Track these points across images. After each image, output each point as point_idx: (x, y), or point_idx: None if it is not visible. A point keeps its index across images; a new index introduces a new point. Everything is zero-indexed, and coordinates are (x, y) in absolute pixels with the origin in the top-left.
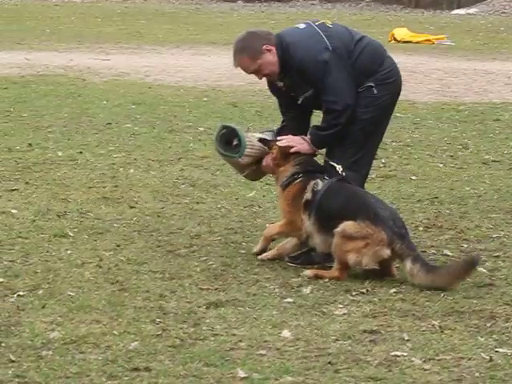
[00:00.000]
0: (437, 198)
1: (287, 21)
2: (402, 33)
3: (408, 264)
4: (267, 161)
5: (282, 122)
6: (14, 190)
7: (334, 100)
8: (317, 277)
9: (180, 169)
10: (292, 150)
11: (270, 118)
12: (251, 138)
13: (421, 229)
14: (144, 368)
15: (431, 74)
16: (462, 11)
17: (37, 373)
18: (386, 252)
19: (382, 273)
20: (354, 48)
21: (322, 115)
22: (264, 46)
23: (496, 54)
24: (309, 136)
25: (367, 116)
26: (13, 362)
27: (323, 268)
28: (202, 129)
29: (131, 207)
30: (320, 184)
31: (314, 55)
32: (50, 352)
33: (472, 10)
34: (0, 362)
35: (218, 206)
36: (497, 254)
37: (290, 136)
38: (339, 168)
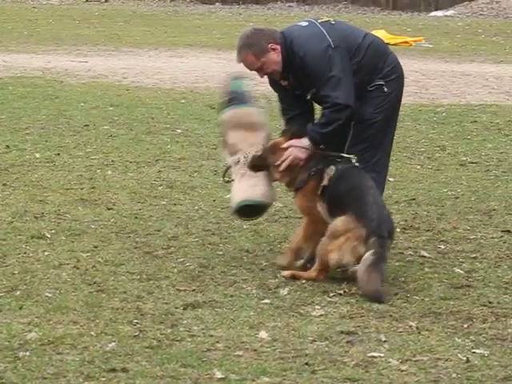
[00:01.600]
0: (414, 199)
1: (265, 23)
2: (379, 35)
3: (367, 254)
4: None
5: (286, 123)
6: None
7: (336, 95)
8: (294, 277)
9: (157, 170)
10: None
11: None
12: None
13: (398, 230)
14: (121, 369)
15: (409, 75)
16: (439, 13)
17: (14, 374)
18: (363, 249)
19: None
20: (360, 45)
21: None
22: (270, 45)
23: (474, 56)
24: (308, 135)
25: (381, 116)
26: None
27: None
28: (179, 131)
29: (109, 209)
30: (333, 169)
31: (317, 52)
32: (27, 353)
33: (450, 12)
34: None
35: (196, 207)
36: (474, 255)
37: (287, 152)
38: (352, 157)
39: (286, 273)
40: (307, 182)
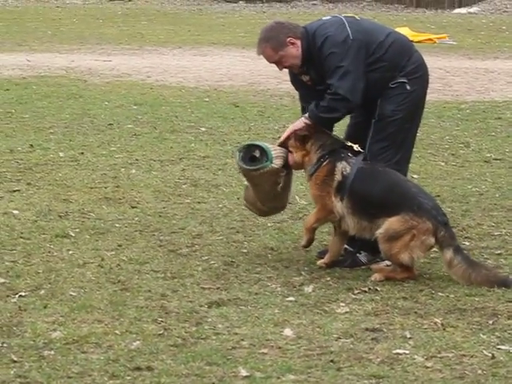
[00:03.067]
0: (439, 196)
1: (279, 18)
2: (403, 32)
3: (449, 253)
4: (292, 158)
5: None
6: (15, 190)
7: (340, 85)
8: (388, 279)
9: (182, 169)
10: (294, 131)
11: (272, 118)
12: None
13: None
14: (146, 367)
15: (433, 72)
16: (463, 10)
17: (39, 373)
18: (432, 240)
19: None
20: (383, 42)
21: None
22: (288, 39)
23: (498, 52)
24: (308, 113)
25: (402, 114)
26: (15, 362)
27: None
28: (203, 129)
29: (133, 207)
30: (348, 166)
31: (333, 42)
32: (52, 352)
33: (473, 9)
34: (2, 362)
35: (220, 205)
36: (498, 251)
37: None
38: (356, 147)
39: (377, 276)
40: (318, 169)
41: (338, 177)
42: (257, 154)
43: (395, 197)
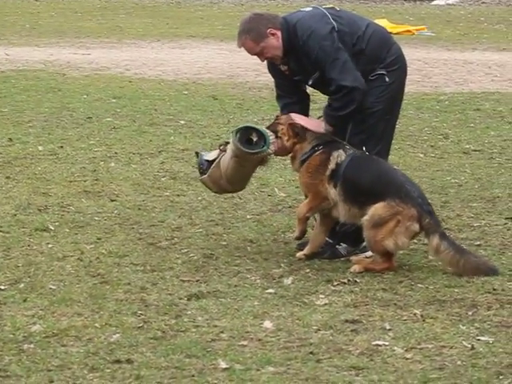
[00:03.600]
0: None
1: (257, 10)
2: (382, 23)
3: (435, 239)
4: (280, 144)
5: (281, 109)
6: None
7: (342, 77)
8: (367, 270)
9: (161, 162)
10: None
11: (251, 110)
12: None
13: None
14: (126, 360)
15: (411, 64)
16: (441, 2)
17: (18, 366)
18: (416, 227)
19: None
20: (364, 34)
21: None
22: (268, 30)
23: (476, 44)
24: (325, 119)
25: (382, 106)
26: None
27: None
28: (182, 122)
29: (112, 200)
30: (343, 154)
31: (321, 35)
32: (32, 345)
33: (452, 1)
34: None
35: (199, 198)
36: (478, 242)
37: (303, 116)
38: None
39: (357, 267)
40: (311, 156)
41: (331, 165)
42: (254, 137)
43: (382, 184)
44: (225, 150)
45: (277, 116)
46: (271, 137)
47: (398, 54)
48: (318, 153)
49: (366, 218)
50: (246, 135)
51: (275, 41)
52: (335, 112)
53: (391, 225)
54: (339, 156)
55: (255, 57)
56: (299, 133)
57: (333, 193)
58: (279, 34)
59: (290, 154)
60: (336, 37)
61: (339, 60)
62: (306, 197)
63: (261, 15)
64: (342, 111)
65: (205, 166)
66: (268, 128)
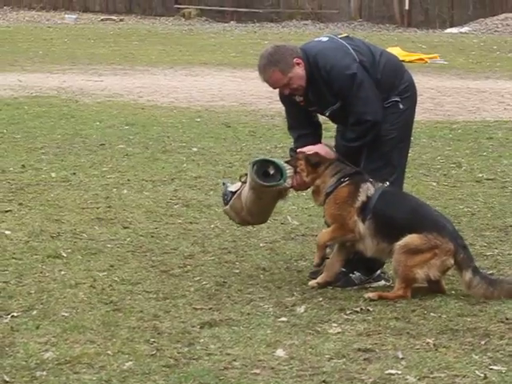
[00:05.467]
0: None
1: (280, 41)
2: (394, 52)
3: (468, 275)
4: (299, 179)
5: (295, 140)
6: (7, 211)
7: (365, 111)
8: (381, 298)
9: (173, 189)
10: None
11: (263, 138)
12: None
13: None
14: None
15: (424, 92)
16: (454, 30)
17: None
18: (452, 262)
19: (430, 289)
20: (378, 62)
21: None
22: (295, 59)
23: (489, 72)
24: (337, 149)
25: (397, 133)
26: (7, 382)
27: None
28: (195, 149)
29: (125, 228)
30: (371, 187)
31: (344, 66)
32: (45, 372)
33: (465, 29)
34: None
35: (212, 225)
36: (491, 271)
37: (312, 146)
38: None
39: (371, 295)
40: (337, 188)
41: (362, 197)
42: (271, 170)
43: (418, 219)
44: (245, 182)
45: (291, 149)
46: (289, 171)
47: (410, 82)
48: (344, 184)
49: (399, 243)
50: (263, 168)
51: (300, 70)
52: (348, 142)
53: (427, 256)
54: (368, 189)
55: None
56: (317, 162)
57: (361, 227)
58: (303, 63)
59: (312, 189)
60: (358, 67)
61: (362, 93)
62: (328, 226)
63: (283, 46)
64: (356, 142)
65: (229, 197)
66: (288, 163)
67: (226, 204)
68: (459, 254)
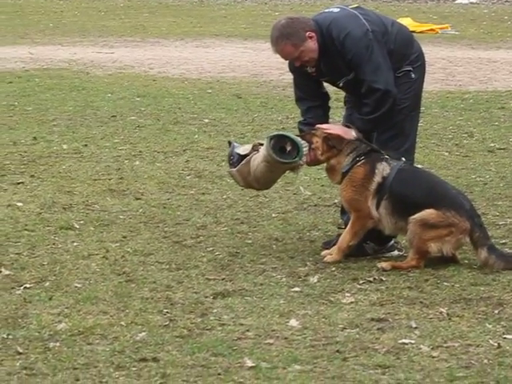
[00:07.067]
0: None
1: (291, 12)
2: (405, 22)
3: (483, 253)
4: (312, 155)
5: (304, 113)
6: (19, 183)
7: (376, 79)
8: (394, 268)
9: (185, 160)
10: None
11: (275, 109)
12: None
13: None
14: (152, 358)
15: (435, 63)
16: (465, 0)
17: (44, 364)
18: (466, 240)
19: (443, 259)
20: (390, 32)
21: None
22: (307, 33)
23: (500, 42)
24: (356, 125)
25: (409, 102)
26: (20, 353)
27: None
28: (206, 120)
29: (137, 199)
30: (387, 167)
31: (357, 36)
32: (58, 344)
33: None
34: (7, 354)
35: (224, 196)
36: (504, 240)
37: (332, 125)
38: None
39: (384, 264)
40: (353, 168)
41: (377, 178)
42: (288, 146)
43: (435, 196)
44: (257, 150)
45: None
46: (305, 148)
47: (420, 52)
48: (360, 163)
49: (415, 216)
50: (280, 143)
51: (312, 43)
52: (366, 116)
53: (443, 232)
54: (384, 169)
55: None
56: (335, 145)
57: (377, 209)
58: (315, 36)
59: (325, 166)
60: (371, 37)
61: (374, 62)
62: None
63: (297, 19)
64: (372, 115)
65: (235, 159)
66: (303, 137)
67: (230, 165)
68: (475, 233)
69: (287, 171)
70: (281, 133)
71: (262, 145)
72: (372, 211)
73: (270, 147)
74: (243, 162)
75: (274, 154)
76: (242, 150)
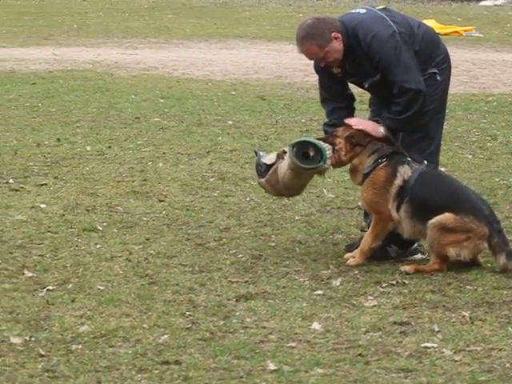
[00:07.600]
0: None
1: (315, 13)
2: (430, 24)
3: (502, 259)
4: (336, 157)
5: (328, 114)
6: (42, 184)
7: (407, 79)
8: (417, 271)
9: (209, 162)
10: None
11: (299, 111)
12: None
13: None
14: (174, 361)
15: (459, 65)
16: (489, 2)
17: (67, 367)
18: (485, 246)
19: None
20: (416, 34)
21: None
22: (333, 34)
23: None
24: (384, 123)
25: (434, 104)
26: (43, 356)
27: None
28: (230, 122)
29: (160, 201)
30: (409, 170)
31: (384, 38)
32: (80, 346)
33: (499, 1)
34: (30, 356)
35: (247, 198)
36: None
37: (361, 119)
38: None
39: (407, 268)
40: (375, 170)
41: (398, 181)
42: (311, 152)
43: (455, 201)
44: (282, 158)
45: (325, 124)
46: (328, 151)
47: (446, 54)
48: (382, 165)
49: (433, 221)
50: (303, 149)
51: (338, 44)
52: (396, 115)
53: (461, 237)
54: (405, 172)
55: (303, 57)
56: (359, 142)
57: (397, 212)
58: (341, 37)
59: (349, 167)
60: (399, 38)
61: (403, 62)
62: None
63: (323, 19)
64: (403, 114)
65: (263, 169)
66: (325, 141)
67: (259, 175)
68: (493, 239)
69: (314, 175)
70: (302, 139)
71: (285, 152)
72: (393, 213)
73: (293, 155)
74: (270, 171)
75: (298, 161)
76: (268, 159)
